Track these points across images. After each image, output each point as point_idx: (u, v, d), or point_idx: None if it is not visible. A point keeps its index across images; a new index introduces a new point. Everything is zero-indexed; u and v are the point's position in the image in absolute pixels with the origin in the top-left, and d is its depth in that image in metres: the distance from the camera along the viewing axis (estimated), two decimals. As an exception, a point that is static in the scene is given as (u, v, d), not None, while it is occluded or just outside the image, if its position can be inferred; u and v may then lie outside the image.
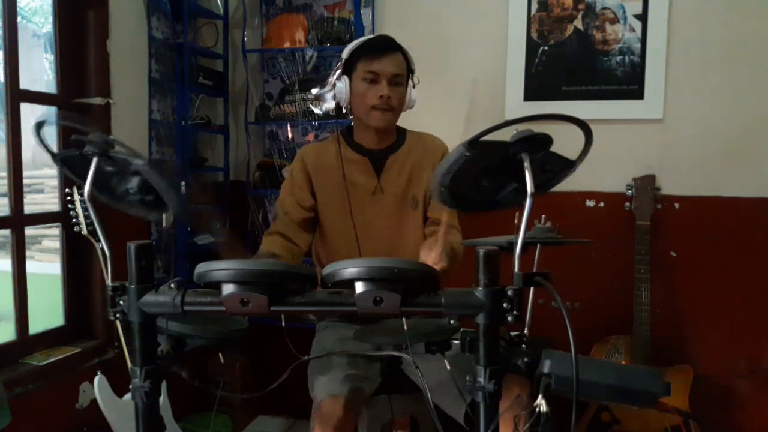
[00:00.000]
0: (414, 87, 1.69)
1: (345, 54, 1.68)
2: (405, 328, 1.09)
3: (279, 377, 1.08)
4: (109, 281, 0.98)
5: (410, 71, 1.68)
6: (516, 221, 0.94)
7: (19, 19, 1.97)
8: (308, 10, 2.71)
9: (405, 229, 1.73)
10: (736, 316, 2.32)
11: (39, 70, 2.38)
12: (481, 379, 0.90)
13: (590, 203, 2.45)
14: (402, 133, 1.79)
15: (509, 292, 0.90)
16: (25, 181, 2.02)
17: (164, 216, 1.05)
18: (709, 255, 2.33)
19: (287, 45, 2.66)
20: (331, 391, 1.43)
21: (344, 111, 1.75)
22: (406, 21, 2.60)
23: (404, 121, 1.77)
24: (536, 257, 1.34)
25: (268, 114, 2.72)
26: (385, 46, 1.64)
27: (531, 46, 2.46)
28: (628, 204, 2.32)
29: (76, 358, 2.10)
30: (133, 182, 1.01)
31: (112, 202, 1.09)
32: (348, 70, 1.67)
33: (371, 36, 1.70)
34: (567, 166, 1.01)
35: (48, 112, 2.24)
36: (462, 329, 1.02)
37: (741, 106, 2.28)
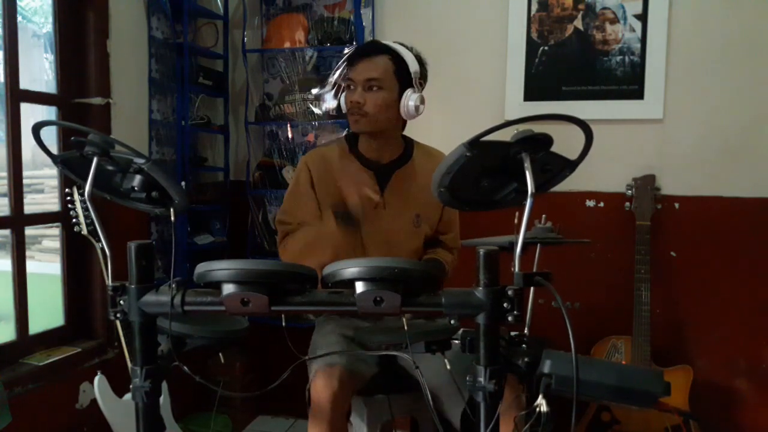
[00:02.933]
0: (418, 89, 1.64)
1: (343, 64, 1.72)
2: (405, 327, 1.09)
3: (279, 377, 1.08)
4: (109, 281, 0.99)
5: (405, 75, 1.62)
6: (516, 221, 0.94)
7: (19, 19, 1.97)
8: (308, 10, 2.70)
9: (405, 246, 1.72)
10: (736, 317, 2.32)
11: (39, 70, 2.37)
12: (482, 379, 0.90)
13: (590, 203, 2.45)
14: (409, 144, 1.76)
15: (509, 292, 0.90)
16: (25, 181, 2.02)
17: (171, 210, 1.05)
18: (709, 255, 2.33)
19: (287, 45, 2.66)
20: (326, 362, 1.44)
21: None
22: (406, 21, 2.60)
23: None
24: (536, 257, 1.35)
25: (268, 114, 2.72)
26: (364, 51, 1.64)
27: (531, 46, 2.46)
28: (628, 204, 2.32)
29: (76, 358, 2.10)
30: (136, 180, 1.02)
31: (117, 200, 1.09)
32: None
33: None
34: (567, 166, 1.01)
35: (48, 112, 2.24)
36: (462, 329, 1.02)
37: (741, 106, 2.28)
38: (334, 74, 2.57)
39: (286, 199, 1.75)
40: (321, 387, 1.41)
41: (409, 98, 1.62)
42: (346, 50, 2.55)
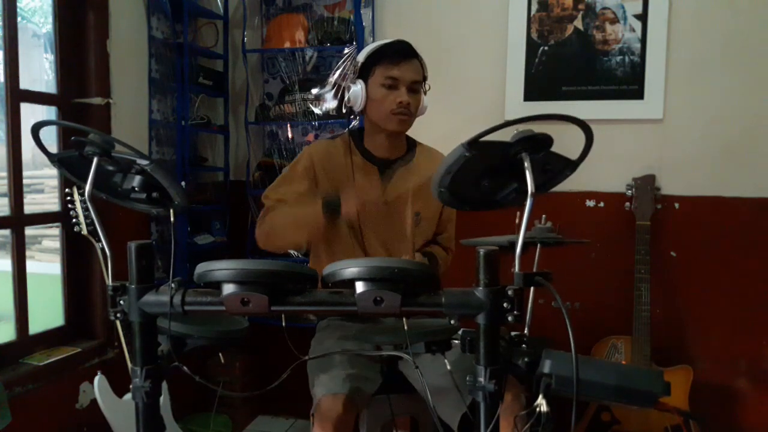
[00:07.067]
0: (425, 93, 1.69)
1: (361, 57, 1.66)
2: (405, 327, 1.09)
3: (279, 377, 1.08)
4: (109, 281, 0.98)
5: (424, 78, 1.68)
6: (516, 221, 0.94)
7: (19, 19, 1.97)
8: (308, 10, 2.71)
9: (405, 243, 1.72)
10: (736, 316, 2.32)
11: (39, 70, 2.37)
12: (482, 379, 0.90)
13: (590, 203, 2.45)
14: (411, 144, 1.78)
15: (509, 292, 0.90)
16: (25, 181, 2.02)
17: (171, 211, 1.05)
18: (709, 255, 2.33)
19: (287, 45, 2.66)
20: (331, 390, 1.42)
21: (355, 116, 1.74)
22: (406, 21, 2.60)
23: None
24: (536, 257, 1.34)
25: (268, 114, 2.72)
26: (405, 52, 1.63)
27: (531, 46, 2.46)
28: (628, 204, 2.32)
29: (76, 358, 2.10)
30: (136, 180, 1.02)
31: (115, 200, 1.09)
32: (364, 74, 1.65)
33: (388, 41, 1.68)
34: (568, 166, 1.01)
35: (48, 112, 2.25)
36: (462, 329, 1.02)
37: (741, 106, 2.28)
38: (334, 74, 2.56)
39: (278, 179, 1.73)
40: (326, 414, 1.39)
41: (424, 100, 1.69)
42: (346, 50, 2.55)
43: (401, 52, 1.63)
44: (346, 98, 1.69)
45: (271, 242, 1.64)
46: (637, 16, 2.36)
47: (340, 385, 1.43)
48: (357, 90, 1.64)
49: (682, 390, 2.17)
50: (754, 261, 2.29)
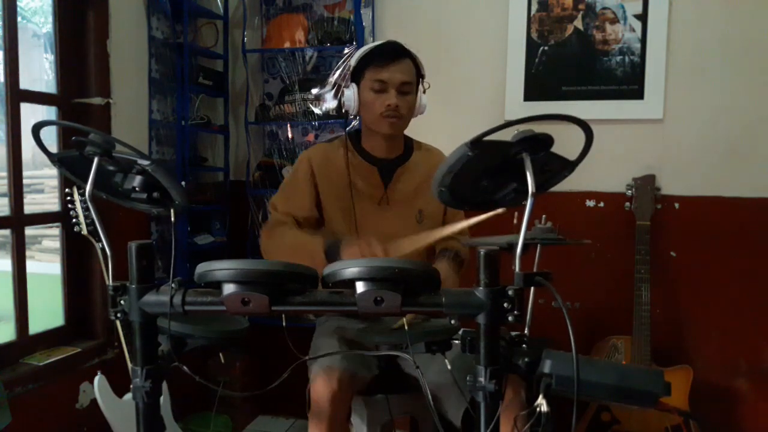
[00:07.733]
0: (424, 92, 1.68)
1: (353, 61, 1.67)
2: (405, 327, 1.09)
3: (279, 377, 1.08)
4: (109, 281, 0.99)
5: (420, 76, 1.67)
6: (516, 221, 0.94)
7: (19, 19, 1.97)
8: (308, 10, 2.71)
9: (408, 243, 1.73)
10: (736, 316, 2.32)
11: (39, 70, 2.37)
12: (482, 379, 0.90)
13: (590, 203, 2.45)
14: (409, 143, 1.78)
15: (510, 292, 0.90)
16: (25, 181, 2.02)
17: (171, 211, 1.05)
18: (709, 255, 2.33)
19: (287, 45, 2.66)
20: (327, 365, 1.44)
21: (352, 117, 1.74)
22: (406, 21, 2.60)
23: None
24: (537, 257, 1.35)
25: (268, 114, 2.72)
26: (393, 53, 1.62)
27: (531, 46, 2.46)
28: (628, 204, 2.32)
29: (76, 358, 2.10)
30: (137, 180, 1.02)
31: (115, 200, 1.09)
32: (356, 77, 1.65)
33: (379, 42, 1.67)
34: (567, 166, 1.01)
35: (48, 112, 2.24)
36: (462, 329, 1.02)
37: (741, 106, 2.28)
38: (334, 74, 2.57)
39: (283, 187, 1.74)
40: (321, 389, 1.41)
41: (422, 99, 1.67)
42: (346, 50, 2.55)
43: (390, 53, 1.62)
44: (341, 101, 1.69)
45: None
46: (637, 16, 2.36)
47: (337, 362, 1.44)
48: (349, 94, 1.65)
49: (682, 390, 2.17)
50: (754, 261, 2.29)
